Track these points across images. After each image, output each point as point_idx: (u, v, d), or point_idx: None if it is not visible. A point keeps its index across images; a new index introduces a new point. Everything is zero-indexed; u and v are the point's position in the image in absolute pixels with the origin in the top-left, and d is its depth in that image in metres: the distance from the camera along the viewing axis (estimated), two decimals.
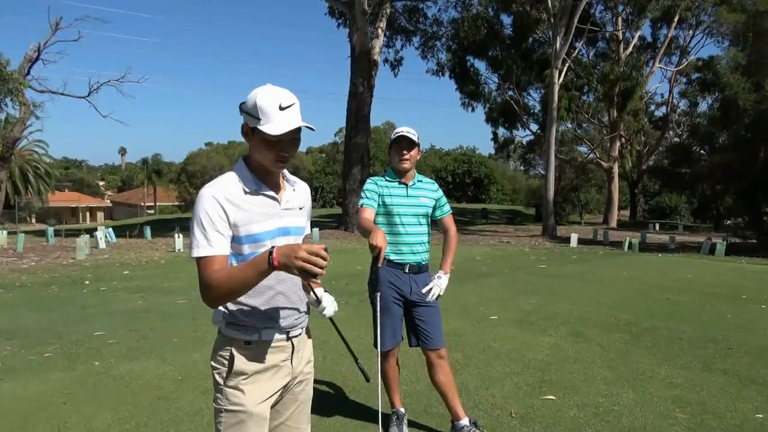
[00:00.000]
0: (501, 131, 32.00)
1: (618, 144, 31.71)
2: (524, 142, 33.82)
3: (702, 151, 28.77)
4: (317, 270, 1.43)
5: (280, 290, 1.71)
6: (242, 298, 1.65)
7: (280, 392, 1.76)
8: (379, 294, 2.64)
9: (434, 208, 3.16)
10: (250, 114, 1.60)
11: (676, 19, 29.13)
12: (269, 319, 1.70)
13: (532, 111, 31.20)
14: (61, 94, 20.87)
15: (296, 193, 1.80)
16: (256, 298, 1.68)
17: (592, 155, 33.22)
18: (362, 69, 20.04)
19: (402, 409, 3.25)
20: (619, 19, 29.59)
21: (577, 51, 26.61)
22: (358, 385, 3.86)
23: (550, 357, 4.60)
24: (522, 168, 42.51)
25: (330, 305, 1.88)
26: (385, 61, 25.63)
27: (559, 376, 4.11)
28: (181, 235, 14.50)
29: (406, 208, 3.03)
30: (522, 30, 25.84)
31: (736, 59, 22.53)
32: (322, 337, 4.26)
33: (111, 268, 10.85)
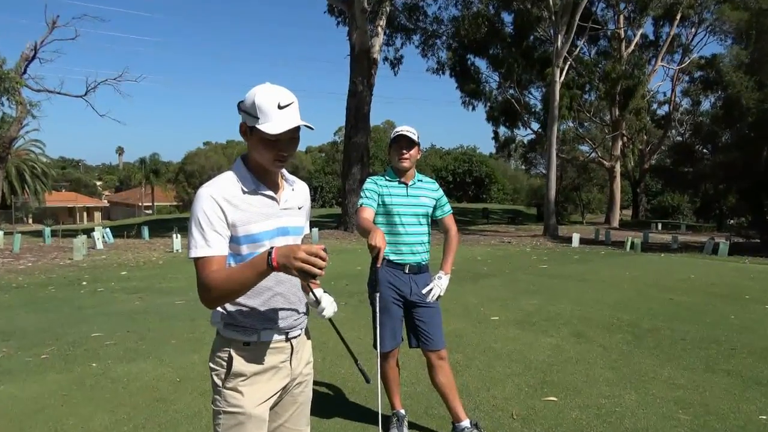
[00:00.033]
0: (502, 130, 32.03)
1: (620, 143, 31.71)
2: (525, 141, 33.82)
3: (705, 150, 28.78)
4: (316, 271, 1.43)
5: (278, 291, 1.71)
6: (241, 299, 1.65)
7: (279, 394, 1.76)
8: (378, 294, 2.64)
9: (435, 208, 3.16)
10: (249, 113, 1.60)
11: (678, 17, 29.12)
12: (268, 320, 1.70)
13: (533, 110, 31.20)
14: (58, 93, 20.86)
15: (295, 192, 1.80)
16: (254, 299, 1.68)
17: (593, 154, 33.22)
18: (362, 67, 20.04)
19: (402, 411, 3.25)
20: (621, 16, 29.58)
21: (578, 49, 26.62)
22: (357, 386, 3.86)
23: (552, 358, 4.60)
24: (523, 167, 42.52)
25: (329, 306, 1.88)
26: (385, 59, 25.67)
27: (560, 378, 4.11)
28: (179, 236, 14.50)
29: (405, 208, 3.03)
30: (523, 28, 25.83)
31: (739, 57, 22.54)
32: (322, 338, 4.26)
33: (108, 269, 10.85)
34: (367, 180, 3.10)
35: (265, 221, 1.67)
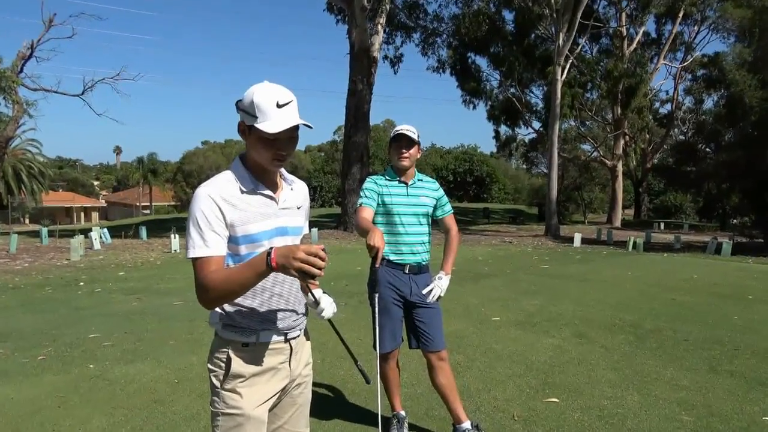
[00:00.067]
0: (503, 129, 32.04)
1: (622, 142, 31.70)
2: (526, 140, 33.83)
3: (708, 149, 28.79)
4: (315, 271, 1.43)
5: (277, 292, 1.71)
6: (239, 300, 1.65)
7: (278, 395, 1.76)
8: (377, 295, 2.64)
9: (435, 208, 3.16)
10: (247, 112, 1.60)
11: (680, 15, 29.13)
12: (267, 320, 1.70)
13: (534, 108, 31.20)
14: (55, 92, 20.88)
15: (294, 192, 1.80)
16: (253, 300, 1.68)
17: (595, 153, 33.22)
18: (361, 66, 20.04)
19: (402, 413, 3.25)
20: (623, 14, 29.58)
21: (580, 47, 26.59)
22: (357, 388, 3.86)
23: (554, 359, 4.60)
24: (524, 167, 42.50)
25: (329, 307, 1.88)
26: (385, 57, 25.68)
27: (562, 379, 4.11)
28: (177, 236, 14.51)
29: (405, 208, 3.03)
30: (524, 26, 25.84)
31: (742, 55, 22.54)
32: (321, 339, 4.26)
33: (106, 270, 10.85)
34: (367, 179, 3.10)
35: (263, 221, 1.67)
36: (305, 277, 1.45)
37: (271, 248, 1.48)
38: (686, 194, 37.40)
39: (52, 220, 40.71)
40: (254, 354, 1.69)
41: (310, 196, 1.96)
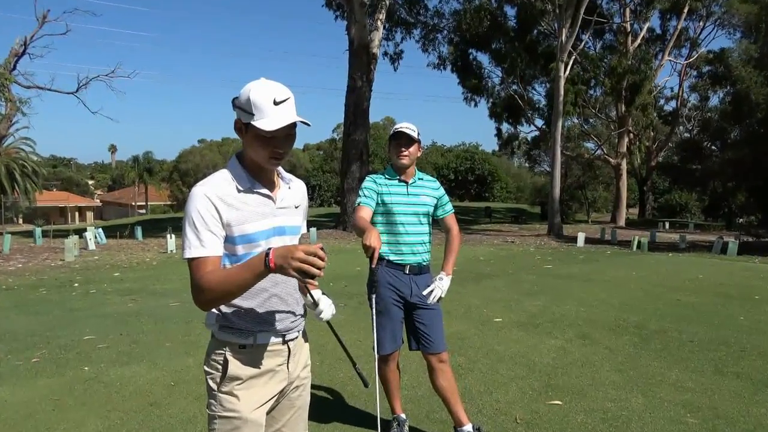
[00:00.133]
0: (505, 127, 32.01)
1: (626, 140, 31.70)
2: (529, 138, 33.80)
3: (713, 147, 28.83)
4: (315, 271, 1.43)
5: (275, 292, 1.71)
6: (236, 301, 1.65)
7: (276, 398, 1.76)
8: (375, 296, 2.64)
9: (435, 207, 3.16)
10: (244, 109, 1.60)
11: (685, 10, 29.10)
12: (264, 322, 1.70)
13: (537, 106, 31.17)
14: (49, 89, 20.91)
15: (292, 191, 1.80)
16: (250, 301, 1.67)
17: (599, 151, 33.22)
18: (361, 63, 20.04)
19: (403, 415, 3.25)
20: (627, 10, 29.57)
21: (583, 43, 26.60)
22: (357, 390, 3.86)
23: (557, 360, 4.60)
24: (527, 165, 42.56)
25: (327, 308, 1.88)
26: (385, 54, 25.67)
27: (565, 381, 4.11)
28: (173, 236, 14.50)
29: (406, 207, 3.03)
30: (526, 22, 25.83)
31: (748, 52, 22.56)
32: (320, 340, 4.26)
33: (101, 270, 10.85)
34: (366, 178, 3.10)
35: (260, 221, 1.67)
36: (304, 278, 1.44)
37: (270, 249, 1.48)
38: (691, 193, 37.43)
39: (46, 220, 40.68)
40: (252, 356, 1.69)
41: (308, 195, 1.96)
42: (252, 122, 1.57)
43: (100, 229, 17.49)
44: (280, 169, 1.76)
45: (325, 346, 4.58)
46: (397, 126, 3.03)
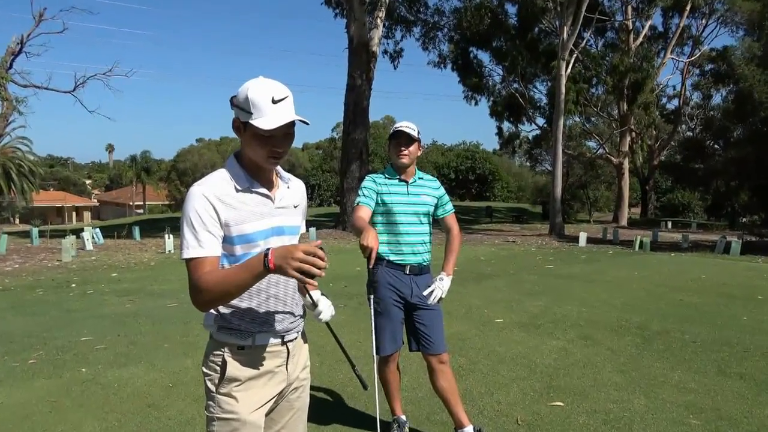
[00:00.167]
0: (506, 126, 32.02)
1: (628, 138, 31.69)
2: (530, 137, 33.81)
3: (716, 146, 28.84)
4: (315, 271, 1.42)
5: (274, 293, 1.71)
6: (235, 302, 1.65)
7: (274, 399, 1.76)
8: (372, 297, 2.64)
9: (436, 207, 3.16)
10: (242, 108, 1.59)
11: (688, 8, 29.08)
12: (263, 322, 1.70)
13: (538, 104, 31.17)
14: (46, 88, 20.93)
15: (291, 190, 1.79)
16: (249, 301, 1.67)
17: (601, 150, 33.22)
18: (360, 61, 20.03)
19: (403, 417, 3.25)
20: (629, 7, 29.56)
21: (585, 41, 26.59)
22: (357, 392, 3.85)
23: (558, 361, 4.60)
24: (528, 164, 42.55)
25: (326, 309, 1.88)
26: (385, 52, 25.66)
27: (567, 382, 4.11)
28: (171, 236, 14.51)
29: (406, 207, 3.03)
30: (527, 20, 25.81)
31: (751, 50, 22.57)
32: (319, 341, 4.26)
33: (98, 271, 10.85)
34: (366, 178, 3.10)
35: (259, 220, 1.66)
36: (304, 278, 1.44)
37: (268, 249, 1.48)
38: (694, 192, 37.45)
39: (43, 220, 40.69)
40: (250, 357, 1.69)
41: (307, 194, 1.95)
42: (250, 121, 1.57)
43: (98, 229, 17.49)
44: (278, 168, 1.76)
45: (325, 347, 4.57)
46: (396, 125, 3.03)
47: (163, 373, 4.31)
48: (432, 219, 3.17)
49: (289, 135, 1.64)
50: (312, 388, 1.98)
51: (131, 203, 59.66)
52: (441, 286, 3.02)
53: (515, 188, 60.14)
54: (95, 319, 6.37)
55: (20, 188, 42.25)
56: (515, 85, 29.16)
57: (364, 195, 3.00)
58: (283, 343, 1.75)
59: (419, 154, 3.07)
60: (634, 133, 32.24)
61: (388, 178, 3.06)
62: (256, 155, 1.64)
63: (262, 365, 1.70)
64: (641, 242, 15.44)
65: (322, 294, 1.92)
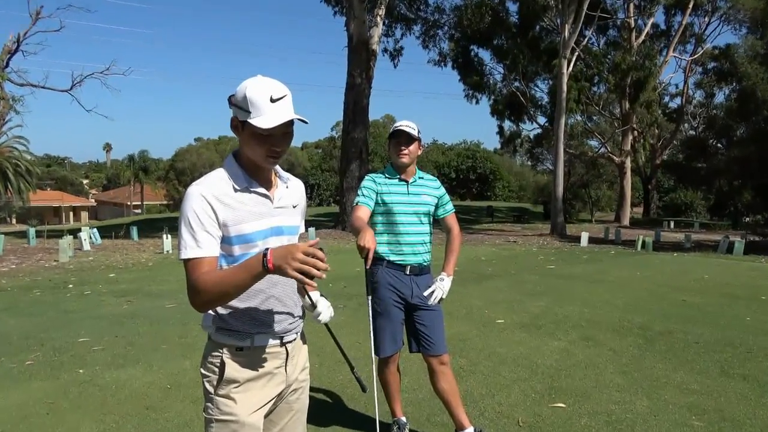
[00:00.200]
0: (507, 124, 32.02)
1: (630, 137, 31.72)
2: (531, 136, 33.84)
3: (719, 145, 28.84)
4: (315, 272, 1.42)
5: (272, 293, 1.71)
6: (233, 302, 1.65)
7: (273, 401, 1.76)
8: (370, 297, 2.64)
9: (436, 207, 3.16)
10: (240, 107, 1.59)
11: (690, 6, 29.12)
12: (262, 323, 1.69)
13: (539, 103, 31.20)
14: (43, 87, 20.92)
15: (289, 190, 1.79)
16: (247, 302, 1.67)
17: (603, 149, 33.25)
18: (360, 59, 20.03)
19: (403, 419, 3.25)
20: (631, 5, 29.57)
21: (586, 39, 26.60)
22: (356, 393, 3.85)
23: (560, 362, 4.60)
24: (529, 163, 42.52)
25: (326, 311, 1.88)
26: (384, 50, 25.67)
27: (569, 383, 4.11)
28: (169, 236, 14.51)
29: (406, 207, 3.03)
30: (528, 17, 25.82)
31: (754, 48, 22.58)
32: (319, 342, 4.26)
33: (96, 271, 10.85)
34: (366, 177, 3.10)
35: (258, 220, 1.66)
36: (304, 279, 1.44)
37: (267, 249, 1.47)
38: (697, 191, 37.48)
39: (40, 220, 40.72)
40: (249, 358, 1.69)
41: (306, 194, 1.95)
42: (248, 120, 1.57)
43: (95, 230, 17.48)
44: (277, 167, 1.76)
45: (324, 348, 4.57)
46: (396, 124, 3.03)
47: (161, 375, 4.31)
48: (432, 219, 3.17)
49: (287, 134, 1.64)
50: (311, 389, 1.98)
51: (129, 203, 59.69)
52: (441, 287, 3.02)
53: (516, 188, 60.17)
54: (93, 320, 6.37)
55: (17, 188, 42.25)
56: (516, 84, 29.18)
57: (363, 195, 3.00)
58: (282, 344, 1.74)
59: (419, 153, 3.06)
60: (636, 132, 32.26)
61: (388, 178, 3.06)
62: (255, 154, 1.64)
63: (260, 366, 1.70)
64: (643, 242, 15.45)
65: (321, 295, 1.92)
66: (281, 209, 1.73)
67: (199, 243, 1.57)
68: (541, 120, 31.38)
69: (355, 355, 4.34)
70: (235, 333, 1.67)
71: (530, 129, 33.30)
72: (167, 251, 14.00)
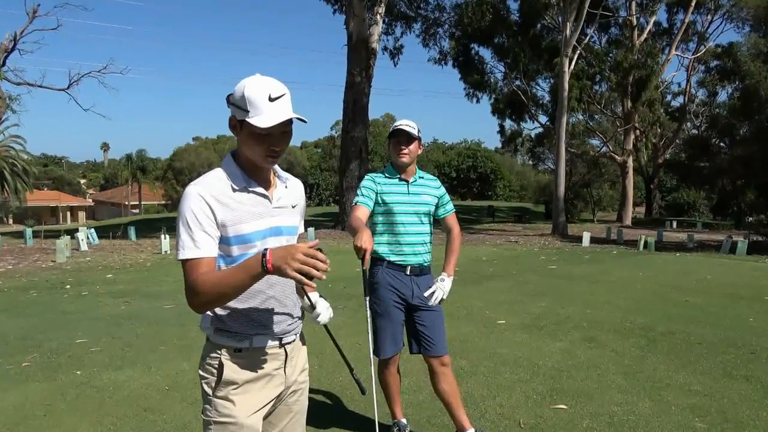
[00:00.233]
0: (508, 123, 31.99)
1: (632, 136, 31.70)
2: (533, 135, 33.79)
3: (722, 144, 28.83)
4: (316, 273, 1.42)
5: (271, 294, 1.70)
6: (232, 303, 1.65)
7: (272, 402, 1.76)
8: (368, 298, 2.64)
9: (436, 207, 3.16)
10: (238, 106, 1.59)
11: (693, 3, 29.09)
12: (261, 325, 1.69)
13: (541, 102, 31.17)
14: (39, 86, 20.91)
15: (288, 190, 1.79)
16: (246, 303, 1.67)
17: (605, 149, 33.19)
18: (360, 58, 20.03)
19: (404, 420, 3.25)
20: (633, 3, 29.55)
21: (588, 38, 26.57)
22: (356, 395, 3.85)
23: (562, 364, 4.60)
24: (530, 162, 42.44)
25: (325, 312, 1.88)
26: (384, 49, 25.68)
27: (570, 384, 4.11)
28: (167, 236, 14.50)
29: (407, 207, 3.03)
30: (530, 15, 25.81)
31: (757, 46, 22.57)
32: (318, 343, 4.26)
33: (93, 272, 10.85)
34: (365, 177, 3.10)
35: (256, 221, 1.66)
36: (304, 279, 1.44)
37: (266, 249, 1.47)
38: (699, 191, 37.45)
39: (37, 220, 40.71)
40: (248, 360, 1.69)
41: (306, 194, 1.95)
42: (247, 119, 1.57)
43: (93, 230, 17.47)
44: (276, 167, 1.76)
45: (324, 349, 4.57)
46: (396, 123, 3.03)
47: (159, 376, 4.31)
48: (432, 219, 3.17)
49: (286, 133, 1.64)
50: (311, 391, 1.98)
51: (127, 203, 59.67)
52: (442, 287, 3.02)
53: (517, 187, 60.16)
54: (90, 321, 6.37)
55: (14, 188, 42.25)
56: (517, 83, 29.15)
57: (362, 195, 3.00)
58: (281, 345, 1.74)
59: (419, 152, 3.06)
60: (638, 131, 32.25)
61: (388, 178, 3.06)
62: (254, 154, 1.64)
63: (259, 368, 1.70)
64: (646, 242, 15.44)
65: (321, 296, 1.92)
66: (280, 209, 1.73)
67: (197, 243, 1.57)
68: (543, 119, 31.39)
69: (355, 356, 4.34)
70: (233, 334, 1.67)
71: (531, 128, 33.28)
72: (165, 251, 13.99)
